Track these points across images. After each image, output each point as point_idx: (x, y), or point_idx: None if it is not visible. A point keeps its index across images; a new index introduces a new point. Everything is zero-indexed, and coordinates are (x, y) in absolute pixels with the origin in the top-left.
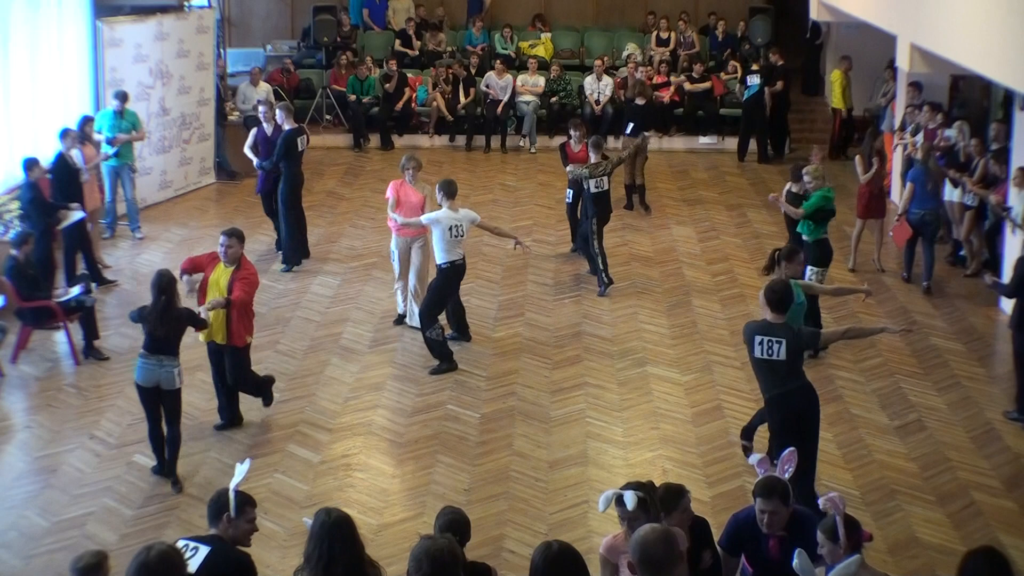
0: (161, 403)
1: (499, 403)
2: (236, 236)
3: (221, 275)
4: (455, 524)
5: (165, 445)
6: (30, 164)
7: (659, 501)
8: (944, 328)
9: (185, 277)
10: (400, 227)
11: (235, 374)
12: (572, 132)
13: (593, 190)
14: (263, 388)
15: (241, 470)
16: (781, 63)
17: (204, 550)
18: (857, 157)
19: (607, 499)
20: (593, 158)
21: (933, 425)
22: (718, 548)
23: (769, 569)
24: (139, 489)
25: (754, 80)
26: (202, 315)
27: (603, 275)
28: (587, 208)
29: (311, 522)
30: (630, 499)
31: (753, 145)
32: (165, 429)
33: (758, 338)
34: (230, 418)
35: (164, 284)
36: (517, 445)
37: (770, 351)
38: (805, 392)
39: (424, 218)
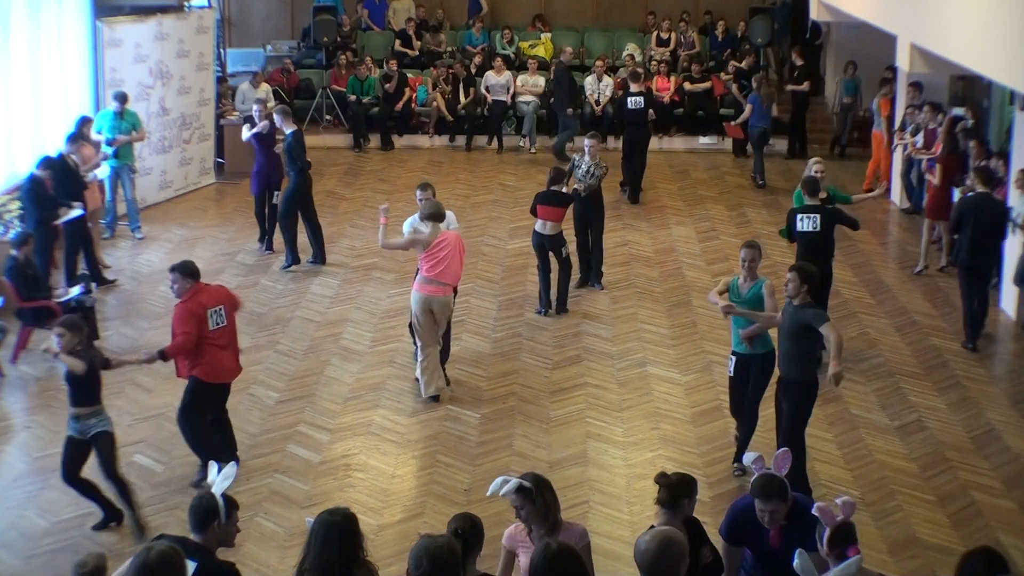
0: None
1: (499, 403)
2: (179, 271)
3: None
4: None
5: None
6: (46, 163)
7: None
8: (944, 328)
9: None
10: (436, 286)
11: (178, 413)
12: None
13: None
14: (205, 449)
15: (227, 473)
16: (736, 66)
17: (191, 566)
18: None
19: (495, 485)
20: (592, 163)
21: (933, 425)
22: (720, 538)
23: (770, 557)
24: (139, 489)
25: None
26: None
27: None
28: (599, 209)
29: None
30: (510, 487)
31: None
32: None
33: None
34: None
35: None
36: (517, 445)
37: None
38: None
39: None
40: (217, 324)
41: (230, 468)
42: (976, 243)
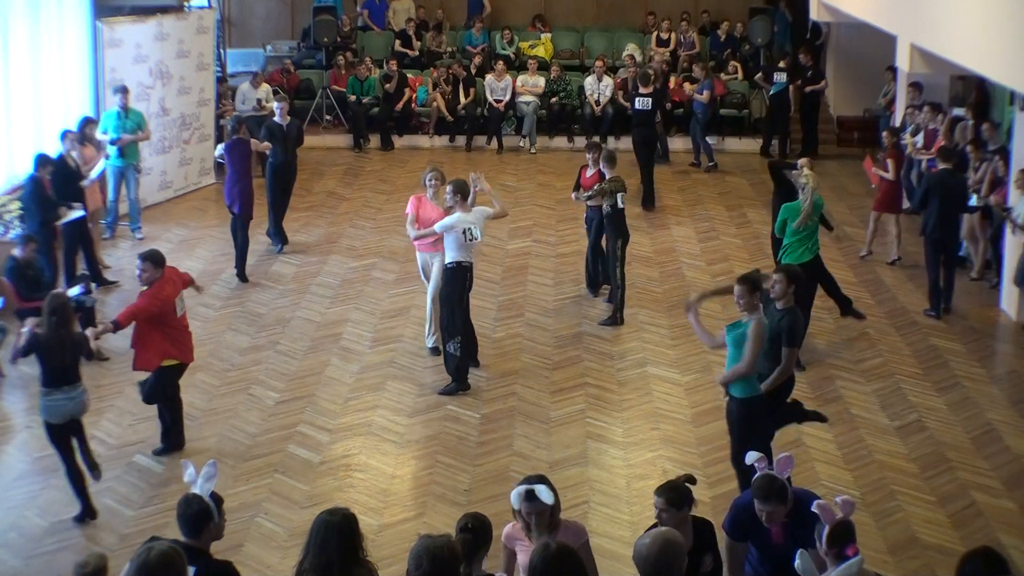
0: (73, 434)
1: (499, 403)
2: (150, 260)
3: None
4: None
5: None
6: (42, 161)
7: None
8: (944, 328)
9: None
10: (422, 243)
11: (146, 391)
12: (588, 155)
13: (620, 206)
14: (172, 430)
15: (209, 473)
16: (811, 63)
17: (190, 571)
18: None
19: (519, 495)
20: (609, 173)
21: (933, 425)
22: (724, 534)
23: (773, 552)
24: (139, 490)
25: (780, 78)
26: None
27: (620, 313)
28: (610, 230)
29: None
30: (546, 495)
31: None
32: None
33: None
34: (170, 444)
35: (54, 306)
36: (517, 445)
37: None
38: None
39: (437, 226)
40: (181, 310)
41: (210, 468)
42: (943, 217)
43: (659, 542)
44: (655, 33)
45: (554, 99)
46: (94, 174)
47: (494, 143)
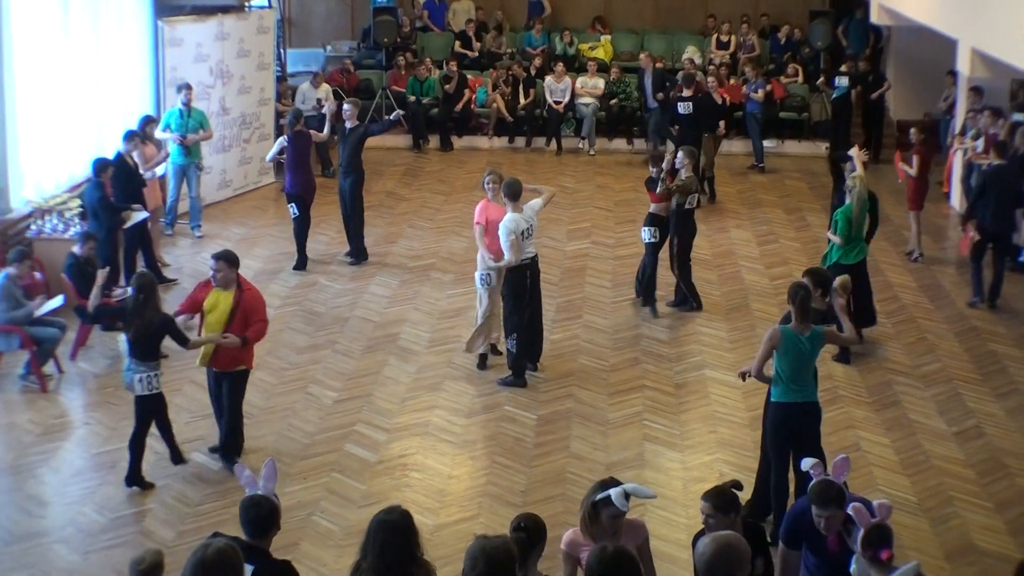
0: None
1: (556, 405)
2: (225, 259)
3: (220, 298)
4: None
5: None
6: (102, 166)
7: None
8: (1003, 334)
9: (182, 318)
10: (491, 247)
11: (228, 400)
12: (652, 169)
13: (689, 206)
14: (231, 442)
15: (269, 475)
16: (870, 68)
17: (248, 569)
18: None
19: (621, 495)
20: (685, 173)
21: (991, 431)
22: (779, 543)
23: (830, 559)
24: (196, 486)
25: (842, 82)
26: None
27: (693, 301)
28: (675, 227)
29: None
30: (642, 490)
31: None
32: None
33: None
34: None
35: (141, 284)
36: (574, 447)
37: None
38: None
39: (504, 248)
40: None
41: (269, 467)
42: (998, 210)
43: (716, 544)
44: (715, 36)
45: (613, 101)
46: (159, 171)
47: (553, 144)
